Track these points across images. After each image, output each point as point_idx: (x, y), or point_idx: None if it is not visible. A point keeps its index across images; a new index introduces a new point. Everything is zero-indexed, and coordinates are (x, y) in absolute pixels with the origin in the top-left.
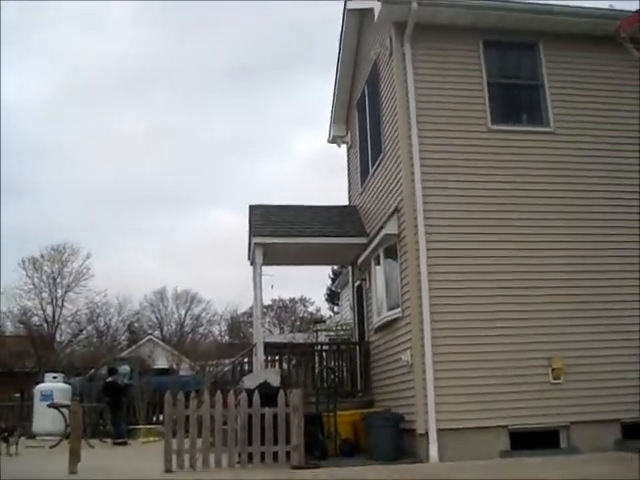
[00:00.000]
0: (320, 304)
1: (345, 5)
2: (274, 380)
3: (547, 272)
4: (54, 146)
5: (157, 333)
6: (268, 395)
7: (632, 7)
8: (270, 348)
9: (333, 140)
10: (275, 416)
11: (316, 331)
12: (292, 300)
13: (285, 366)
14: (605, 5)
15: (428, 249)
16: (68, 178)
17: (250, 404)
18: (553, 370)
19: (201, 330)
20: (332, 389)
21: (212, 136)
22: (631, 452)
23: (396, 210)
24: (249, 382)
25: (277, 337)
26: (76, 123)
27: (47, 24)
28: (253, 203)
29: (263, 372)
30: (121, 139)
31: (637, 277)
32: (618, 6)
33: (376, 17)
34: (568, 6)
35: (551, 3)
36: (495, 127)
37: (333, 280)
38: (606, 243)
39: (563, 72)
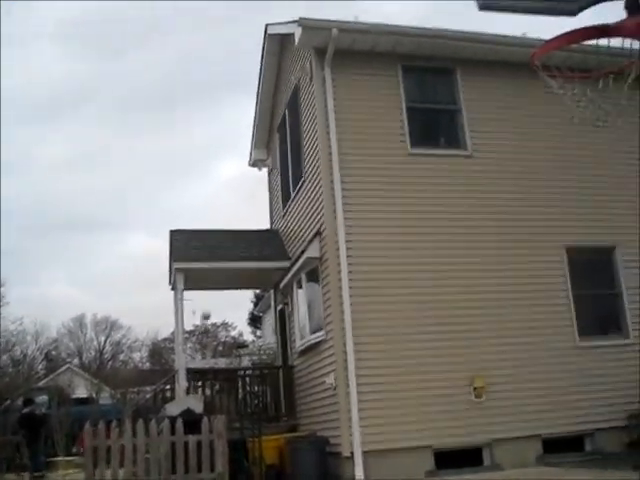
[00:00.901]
0: (242, 328)
1: (266, 30)
2: (197, 407)
3: (466, 293)
4: None
5: (76, 361)
6: (191, 422)
7: (546, 36)
8: (193, 374)
9: (254, 164)
10: (199, 443)
11: (239, 356)
12: (214, 325)
13: (208, 392)
14: (520, 32)
15: (350, 272)
16: None
17: (173, 432)
18: (475, 389)
19: (122, 357)
20: (256, 414)
21: (133, 160)
22: (551, 467)
23: (318, 233)
24: (171, 409)
25: (199, 362)
26: None
27: None
28: (174, 228)
29: (186, 399)
30: (39, 162)
31: (554, 295)
32: (533, 34)
33: (296, 42)
34: (482, 34)
35: (467, 30)
36: (414, 151)
37: (255, 304)
38: (525, 264)
39: (480, 97)
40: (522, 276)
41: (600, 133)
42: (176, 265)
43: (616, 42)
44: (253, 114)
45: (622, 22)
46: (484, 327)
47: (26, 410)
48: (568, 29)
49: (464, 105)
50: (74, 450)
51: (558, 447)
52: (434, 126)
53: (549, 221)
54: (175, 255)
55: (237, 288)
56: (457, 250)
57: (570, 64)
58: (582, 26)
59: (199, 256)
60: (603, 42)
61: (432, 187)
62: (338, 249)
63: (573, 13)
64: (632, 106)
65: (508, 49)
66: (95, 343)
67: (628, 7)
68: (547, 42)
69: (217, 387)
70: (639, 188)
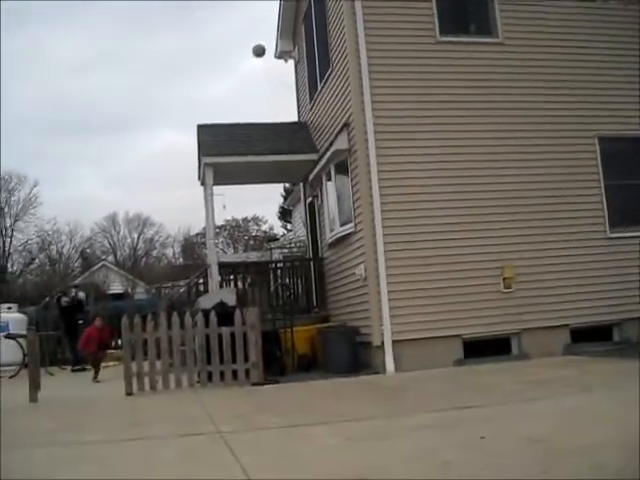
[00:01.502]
0: (273, 222)
1: None
2: (230, 299)
3: (497, 183)
4: None
5: (110, 258)
6: (224, 314)
7: None
8: (224, 268)
9: (280, 55)
10: (233, 335)
11: (270, 249)
12: (245, 219)
13: (240, 285)
14: None
15: (379, 163)
16: (4, 109)
17: (207, 324)
18: (504, 279)
19: (155, 253)
20: (288, 306)
21: (155, 56)
22: (578, 355)
23: (346, 125)
24: (205, 302)
25: (231, 257)
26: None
27: None
28: (201, 123)
29: (218, 292)
30: (58, 65)
31: (585, 186)
32: None
33: None
34: None
35: None
36: (443, 39)
37: (285, 198)
38: (558, 153)
39: None
40: (554, 166)
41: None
42: (205, 160)
43: None
44: (278, 4)
45: None
46: (515, 218)
47: (65, 300)
48: None
49: None
50: (112, 343)
51: (587, 336)
52: (464, 13)
53: (581, 110)
54: (203, 150)
55: (266, 182)
56: (488, 140)
57: None
58: None
59: (227, 150)
60: None
61: (462, 75)
62: (367, 140)
63: None
64: None
65: None
66: (129, 240)
67: None
68: None
69: (249, 280)
70: None
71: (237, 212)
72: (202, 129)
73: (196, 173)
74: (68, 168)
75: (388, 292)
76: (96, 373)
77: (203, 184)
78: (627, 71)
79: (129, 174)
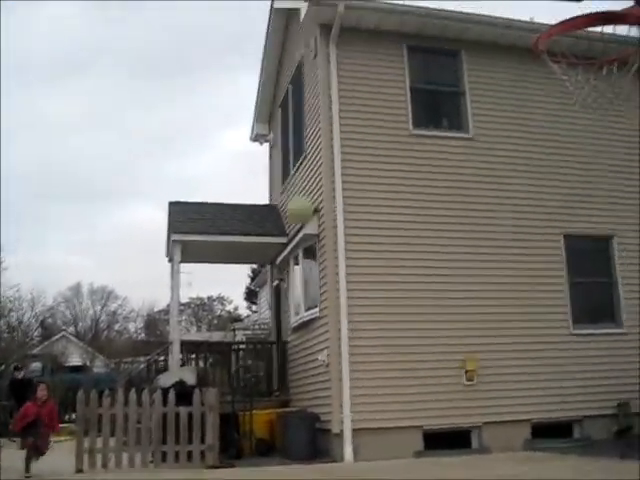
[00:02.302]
0: (238, 303)
1: (272, 4)
2: (190, 378)
3: (461, 275)
4: None
5: (71, 329)
6: (183, 394)
7: (553, 22)
8: (186, 346)
9: (255, 138)
10: (190, 415)
11: (233, 330)
12: (210, 298)
13: (202, 364)
14: (528, 18)
15: (347, 250)
16: None
17: (165, 403)
18: (467, 372)
19: (117, 327)
20: (248, 388)
21: (135, 130)
22: (538, 451)
23: (316, 210)
24: (165, 380)
25: (194, 335)
26: None
27: None
28: (173, 199)
29: (179, 370)
30: (40, 126)
31: (549, 282)
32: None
33: (302, 18)
34: (488, 16)
35: (472, 12)
36: (416, 131)
37: (252, 279)
38: (523, 249)
39: (484, 80)
40: (520, 261)
41: (600, 121)
42: (174, 237)
43: (621, 30)
44: (256, 89)
45: (629, 9)
46: (479, 310)
47: (16, 375)
48: (574, 14)
49: (468, 88)
50: (67, 417)
51: (547, 432)
52: (437, 107)
53: (548, 208)
54: (173, 227)
55: (234, 262)
56: (454, 232)
57: (575, 51)
58: (587, 12)
59: (197, 228)
60: (608, 30)
61: (433, 168)
62: (336, 227)
63: None
64: (634, 93)
65: (514, 33)
66: (91, 312)
67: None
68: (552, 27)
69: (211, 360)
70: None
71: (203, 290)
72: (173, 206)
73: (164, 249)
74: (36, 232)
75: (350, 380)
76: (27, 465)
77: (171, 260)
78: (595, 172)
79: (98, 244)
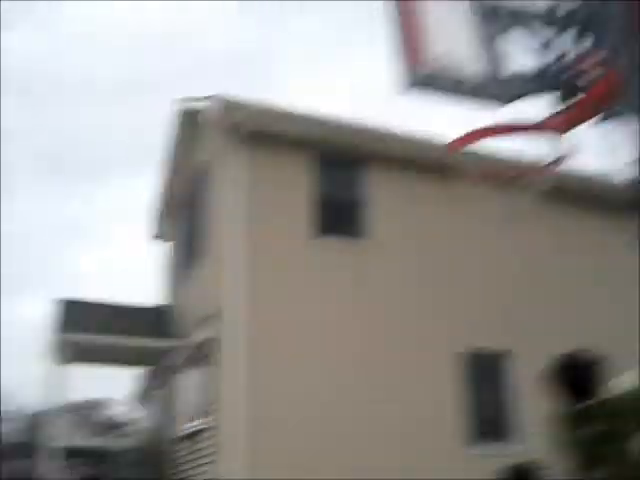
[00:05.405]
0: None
1: (175, 104)
2: None
3: (352, 391)
4: None
5: None
6: None
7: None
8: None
9: (154, 236)
10: None
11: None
12: (88, 402)
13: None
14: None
15: (248, 356)
16: None
17: None
18: None
19: None
20: None
21: (23, 221)
22: None
23: (214, 314)
24: None
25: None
26: None
27: None
28: (60, 297)
29: None
30: None
31: (442, 399)
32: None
33: (207, 120)
34: (394, 130)
35: (378, 126)
36: (316, 240)
37: (141, 380)
38: (415, 365)
39: (388, 192)
40: (413, 379)
41: (501, 235)
42: (63, 336)
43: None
44: (157, 187)
45: (543, 120)
46: (369, 430)
47: None
48: (485, 124)
49: (371, 198)
50: None
51: None
52: (339, 216)
53: (443, 320)
54: (64, 325)
55: (121, 365)
56: (348, 346)
57: (484, 165)
58: (500, 122)
59: (84, 328)
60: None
61: (332, 277)
62: (236, 332)
63: (502, 100)
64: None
65: (420, 147)
66: None
67: (564, 97)
68: (463, 136)
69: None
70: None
71: (82, 392)
72: (61, 304)
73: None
74: None
75: None
76: None
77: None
78: (493, 287)
79: None
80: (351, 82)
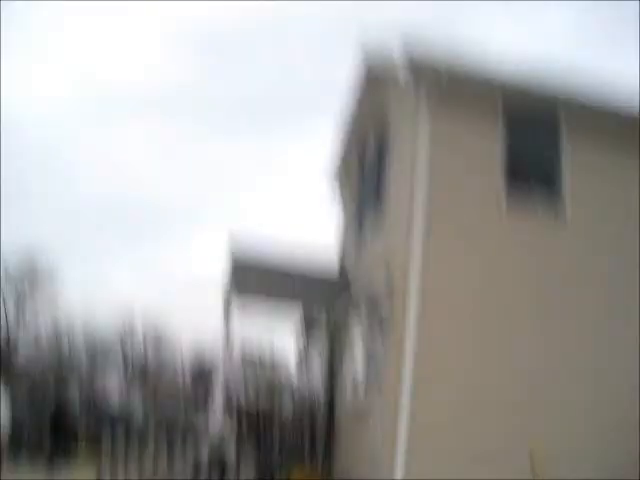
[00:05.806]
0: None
1: (360, 58)
2: None
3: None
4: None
5: None
6: None
7: None
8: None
9: (331, 191)
10: None
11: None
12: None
13: None
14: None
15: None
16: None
17: None
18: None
19: None
20: None
21: (207, 164)
22: None
23: (391, 275)
24: None
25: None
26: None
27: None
28: (234, 250)
29: None
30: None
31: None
32: None
33: (401, 82)
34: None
35: (575, 82)
36: (509, 215)
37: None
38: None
39: (585, 161)
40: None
41: None
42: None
43: None
44: (338, 142)
45: None
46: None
47: None
48: None
49: (566, 168)
50: None
51: None
52: (532, 190)
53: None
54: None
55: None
56: (535, 322)
57: None
58: None
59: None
60: None
61: (523, 255)
62: (406, 309)
63: None
64: None
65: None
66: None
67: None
68: None
69: None
70: None
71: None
72: (233, 260)
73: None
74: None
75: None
76: None
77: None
78: None
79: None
80: None
